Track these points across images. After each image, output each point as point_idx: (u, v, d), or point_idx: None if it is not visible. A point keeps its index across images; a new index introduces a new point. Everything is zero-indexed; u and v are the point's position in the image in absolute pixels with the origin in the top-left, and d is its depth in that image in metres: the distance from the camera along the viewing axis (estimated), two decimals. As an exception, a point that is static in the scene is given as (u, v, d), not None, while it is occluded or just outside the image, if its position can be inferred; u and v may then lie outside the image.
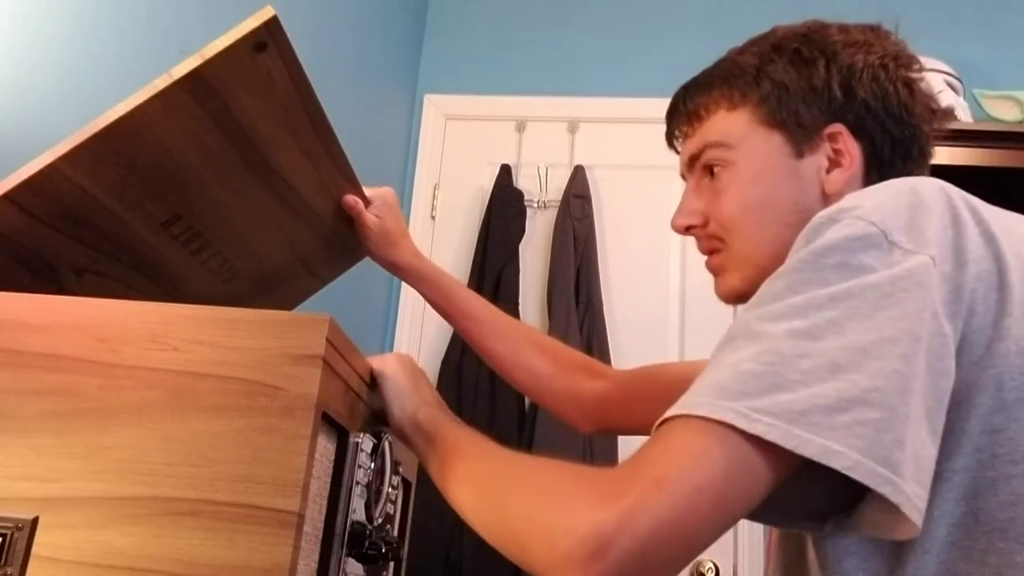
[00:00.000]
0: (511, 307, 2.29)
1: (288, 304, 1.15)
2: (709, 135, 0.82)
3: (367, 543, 0.73)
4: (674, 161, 0.89)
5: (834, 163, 0.77)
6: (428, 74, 2.72)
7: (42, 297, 0.65)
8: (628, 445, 2.20)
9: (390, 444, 0.83)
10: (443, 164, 2.61)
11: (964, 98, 2.16)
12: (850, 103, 0.77)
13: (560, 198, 2.43)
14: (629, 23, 2.68)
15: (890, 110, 0.78)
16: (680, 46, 2.61)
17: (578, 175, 2.44)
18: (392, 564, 0.91)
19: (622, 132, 2.54)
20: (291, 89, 0.80)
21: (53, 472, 0.59)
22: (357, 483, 0.73)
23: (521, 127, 2.60)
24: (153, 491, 0.58)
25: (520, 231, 2.42)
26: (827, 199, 0.75)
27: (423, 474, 2.35)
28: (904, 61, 0.80)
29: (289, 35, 0.74)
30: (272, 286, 1.09)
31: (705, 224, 0.82)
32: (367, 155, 2.19)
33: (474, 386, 2.20)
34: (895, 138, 0.78)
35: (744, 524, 2.16)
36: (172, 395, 0.60)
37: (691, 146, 0.85)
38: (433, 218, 2.55)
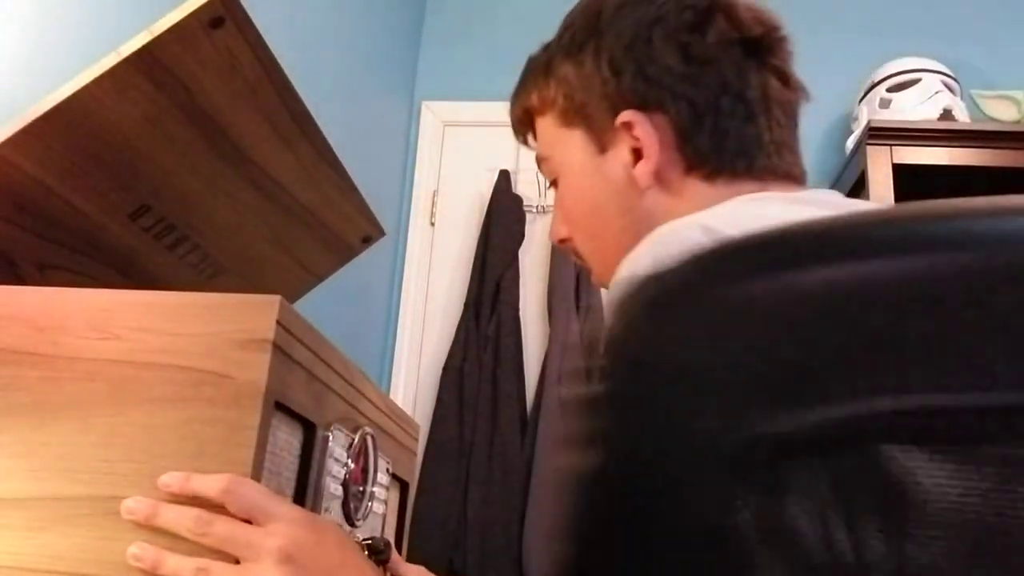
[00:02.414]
0: (511, 312, 2.25)
1: (282, 301, 1.11)
2: (537, 148, 0.76)
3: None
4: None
5: (637, 155, 0.66)
6: (426, 81, 2.70)
7: (-19, 288, 0.61)
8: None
9: (373, 440, 0.79)
10: (441, 170, 2.58)
11: (961, 99, 2.15)
12: (620, 82, 0.66)
13: (560, 201, 2.39)
14: (627, 24, 2.65)
15: (673, 70, 0.64)
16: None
17: (578, 178, 2.41)
18: (382, 567, 0.86)
19: (622, 133, 2.51)
20: (258, 69, 0.77)
21: (-9, 472, 0.55)
22: (330, 481, 0.69)
23: (519, 131, 2.57)
24: (92, 490, 0.54)
25: (519, 236, 2.38)
26: (646, 196, 0.66)
27: (425, 478, 2.30)
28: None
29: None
30: (261, 281, 1.05)
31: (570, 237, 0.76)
32: (366, 162, 2.16)
33: (476, 390, 2.17)
34: (693, 100, 0.64)
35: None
36: (114, 387, 0.56)
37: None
38: (432, 225, 2.52)
